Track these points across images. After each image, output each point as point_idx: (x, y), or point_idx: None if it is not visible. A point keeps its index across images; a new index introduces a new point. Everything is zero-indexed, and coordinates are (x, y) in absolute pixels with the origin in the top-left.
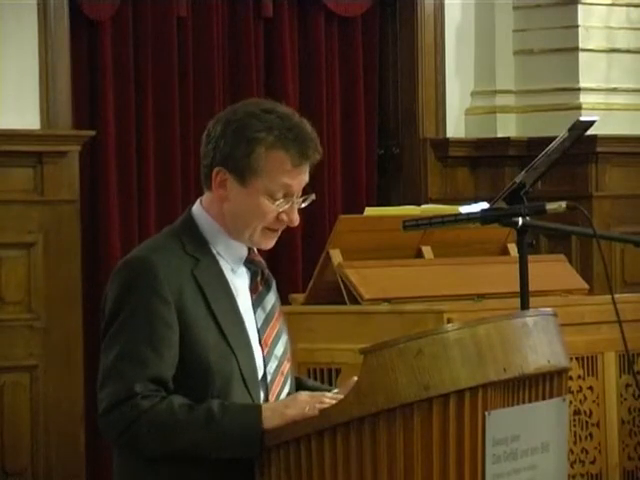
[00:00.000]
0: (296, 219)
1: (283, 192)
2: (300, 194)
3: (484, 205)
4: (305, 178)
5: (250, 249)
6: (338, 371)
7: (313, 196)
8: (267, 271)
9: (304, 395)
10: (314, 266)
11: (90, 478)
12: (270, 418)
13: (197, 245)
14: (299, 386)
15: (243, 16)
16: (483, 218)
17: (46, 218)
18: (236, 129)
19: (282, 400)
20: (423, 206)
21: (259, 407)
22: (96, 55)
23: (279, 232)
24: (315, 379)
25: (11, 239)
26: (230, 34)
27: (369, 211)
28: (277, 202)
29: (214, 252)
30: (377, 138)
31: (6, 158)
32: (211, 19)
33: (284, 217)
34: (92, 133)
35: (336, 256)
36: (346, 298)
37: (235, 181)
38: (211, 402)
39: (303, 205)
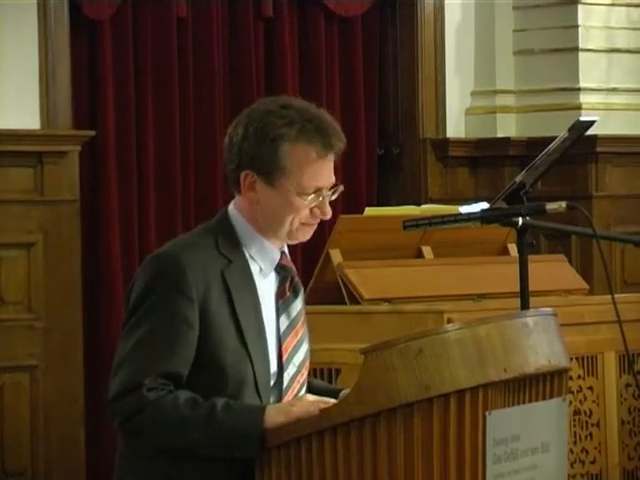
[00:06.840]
0: (329, 212)
1: (313, 188)
2: (330, 187)
3: (484, 205)
4: (331, 169)
5: (282, 253)
6: (338, 371)
7: (341, 187)
8: (297, 278)
9: (310, 397)
10: (314, 266)
11: (90, 478)
12: (275, 416)
13: (231, 246)
14: (308, 388)
15: (243, 16)
16: (483, 218)
17: (46, 218)
18: (258, 129)
19: (289, 400)
20: (423, 206)
21: (263, 408)
22: (96, 55)
23: (315, 225)
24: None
25: (11, 239)
26: (230, 34)
27: (369, 211)
28: (308, 198)
29: (247, 254)
30: (377, 138)
31: (6, 158)
32: (211, 19)
33: (317, 211)
34: (92, 133)
35: (336, 256)
36: (346, 298)
37: (264, 182)
38: (216, 400)
39: (333, 197)
